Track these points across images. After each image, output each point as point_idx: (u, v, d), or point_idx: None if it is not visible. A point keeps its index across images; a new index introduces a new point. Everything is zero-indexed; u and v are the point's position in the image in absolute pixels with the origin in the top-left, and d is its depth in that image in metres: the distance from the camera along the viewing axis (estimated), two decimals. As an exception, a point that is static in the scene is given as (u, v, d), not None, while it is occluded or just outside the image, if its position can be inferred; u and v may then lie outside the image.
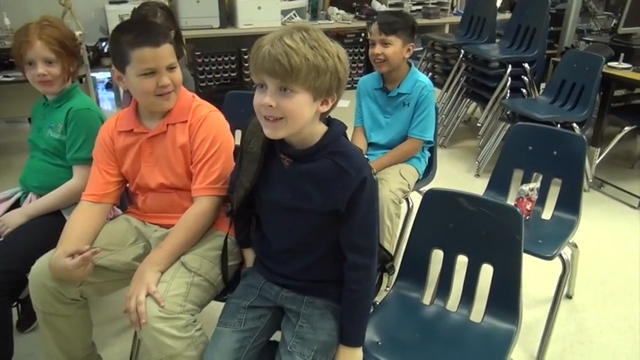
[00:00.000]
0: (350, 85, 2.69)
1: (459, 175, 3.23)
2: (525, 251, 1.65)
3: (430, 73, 3.91)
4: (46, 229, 1.53)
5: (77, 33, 3.27)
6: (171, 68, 1.35)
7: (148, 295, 1.22)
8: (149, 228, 1.49)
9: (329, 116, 1.19)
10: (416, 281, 1.47)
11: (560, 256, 1.72)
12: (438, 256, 1.46)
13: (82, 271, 1.28)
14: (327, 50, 1.04)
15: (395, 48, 1.97)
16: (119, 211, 1.66)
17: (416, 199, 2.16)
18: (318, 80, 1.03)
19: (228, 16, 4.63)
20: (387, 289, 1.73)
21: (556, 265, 1.73)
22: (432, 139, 2.11)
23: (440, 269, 1.48)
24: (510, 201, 1.99)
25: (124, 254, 1.43)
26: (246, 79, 4.76)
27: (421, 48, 3.92)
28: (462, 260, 1.43)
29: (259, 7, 4.50)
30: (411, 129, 2.06)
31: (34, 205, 1.61)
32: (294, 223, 1.21)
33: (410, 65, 2.09)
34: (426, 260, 1.46)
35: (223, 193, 1.40)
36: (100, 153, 1.46)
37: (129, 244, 1.46)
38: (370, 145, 2.16)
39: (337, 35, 4.77)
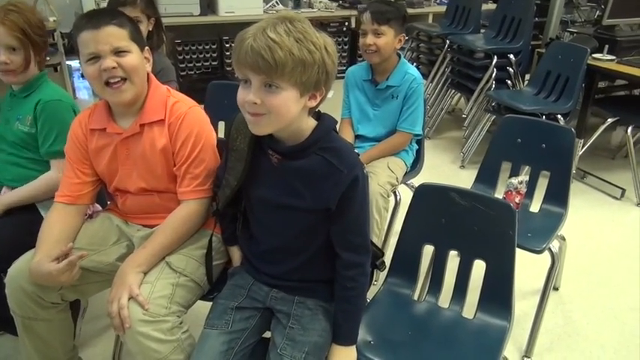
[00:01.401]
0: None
1: (444, 167, 3.22)
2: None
3: (415, 64, 3.87)
4: (19, 225, 1.46)
5: (51, 19, 3.15)
6: (119, 52, 1.23)
7: (131, 297, 1.17)
8: (132, 227, 1.43)
9: (319, 110, 1.15)
10: (407, 277, 1.45)
11: (550, 249, 1.72)
12: (429, 251, 1.44)
13: (67, 276, 1.21)
14: (314, 43, 0.98)
15: (387, 38, 1.93)
16: (98, 206, 1.59)
17: (403, 192, 2.15)
18: (304, 75, 0.99)
19: (208, 3, 4.52)
20: (375, 282, 1.71)
21: (543, 256, 1.73)
22: (421, 133, 2.08)
23: (431, 265, 1.46)
24: (499, 194, 1.98)
25: (106, 254, 1.37)
26: (228, 68, 4.66)
27: (406, 38, 3.88)
28: (453, 256, 1.41)
29: (240, -6, 4.40)
30: (400, 122, 2.02)
31: (12, 194, 1.53)
32: (284, 221, 1.17)
33: (399, 57, 2.05)
34: (417, 256, 1.43)
35: (211, 193, 1.34)
36: (73, 150, 1.37)
37: (111, 243, 1.40)
38: (357, 137, 2.12)
39: (320, 24, 4.70)
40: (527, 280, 2.08)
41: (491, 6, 4.00)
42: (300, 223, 1.15)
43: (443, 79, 3.56)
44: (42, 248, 1.26)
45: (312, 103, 1.06)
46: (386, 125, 2.06)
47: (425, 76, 3.71)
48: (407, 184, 2.22)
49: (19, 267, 1.28)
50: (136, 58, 1.27)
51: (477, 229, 1.35)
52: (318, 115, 1.14)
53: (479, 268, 1.37)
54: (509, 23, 3.26)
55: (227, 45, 4.59)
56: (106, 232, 1.42)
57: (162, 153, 1.32)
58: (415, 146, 2.16)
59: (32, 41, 1.52)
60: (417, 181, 2.22)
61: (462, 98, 3.98)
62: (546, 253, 1.72)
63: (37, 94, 1.56)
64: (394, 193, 2.07)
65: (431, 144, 3.56)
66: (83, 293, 1.38)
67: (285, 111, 1.01)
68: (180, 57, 4.47)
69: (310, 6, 4.90)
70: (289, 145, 1.11)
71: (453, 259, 1.42)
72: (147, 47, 1.33)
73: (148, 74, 1.36)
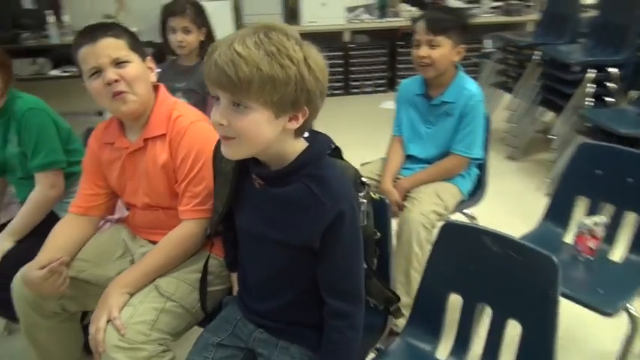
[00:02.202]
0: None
1: (526, 193, 2.85)
2: (578, 301, 1.35)
3: (502, 77, 3.52)
4: (39, 233, 1.46)
5: (134, 29, 3.32)
6: (119, 63, 1.19)
7: (110, 320, 1.10)
8: (136, 243, 1.38)
9: (314, 131, 1.00)
10: (429, 330, 1.23)
11: (628, 311, 1.38)
12: (456, 302, 1.21)
13: (51, 285, 1.18)
14: (290, 56, 0.84)
15: (443, 50, 1.71)
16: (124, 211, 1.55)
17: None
18: (275, 93, 0.85)
19: (292, 12, 4.53)
20: (396, 326, 1.47)
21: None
22: (479, 157, 1.82)
23: (458, 319, 1.22)
24: (571, 235, 1.66)
25: (108, 269, 1.33)
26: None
27: (493, 49, 3.54)
28: (485, 310, 1.17)
29: (323, 4, 4.34)
30: (455, 144, 1.78)
31: (15, 228, 1.50)
32: (266, 254, 1.04)
33: (457, 69, 1.81)
34: (441, 306, 1.21)
35: (211, 214, 1.24)
36: (89, 162, 1.37)
37: (115, 257, 1.37)
38: (408, 157, 1.91)
39: (405, 34, 4.49)
40: (600, 338, 1.71)
41: (593, 14, 3.51)
42: (282, 258, 1.01)
43: (533, 95, 3.17)
44: (41, 256, 1.25)
45: (294, 125, 0.91)
46: (438, 145, 1.83)
47: (511, 90, 3.35)
48: (465, 214, 1.96)
49: (22, 273, 1.27)
50: (137, 68, 1.23)
51: (511, 283, 1.10)
52: (314, 136, 0.99)
53: (514, 328, 1.11)
54: (612, 32, 2.80)
55: (308, 55, 4.56)
56: (113, 246, 1.39)
57: (163, 169, 1.26)
58: (475, 171, 1.90)
59: (3, 64, 1.48)
60: (483, 209, 1.97)
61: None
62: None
63: (13, 110, 1.51)
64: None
65: (515, 166, 3.20)
66: (84, 305, 1.35)
67: (256, 134, 0.88)
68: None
69: (396, 15, 4.71)
70: (273, 169, 0.97)
71: (485, 314, 1.17)
72: (149, 57, 1.28)
73: (158, 86, 1.31)
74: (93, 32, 1.20)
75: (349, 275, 0.97)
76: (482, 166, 1.93)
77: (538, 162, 3.23)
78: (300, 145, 0.96)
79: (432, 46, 1.72)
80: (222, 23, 3.57)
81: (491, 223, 2.17)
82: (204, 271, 1.23)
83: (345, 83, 4.74)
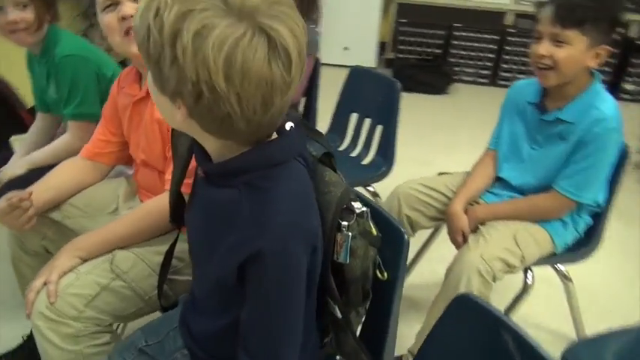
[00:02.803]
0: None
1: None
2: None
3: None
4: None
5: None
6: None
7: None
8: (127, 203, 1.27)
9: (304, 125, 0.74)
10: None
11: None
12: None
13: (13, 219, 1.11)
14: (161, 21, 0.57)
15: (573, 50, 1.24)
16: None
17: (548, 277, 1.48)
18: (156, 69, 0.61)
19: (451, -17, 4.05)
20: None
21: None
22: (593, 203, 1.34)
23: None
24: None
25: (95, 222, 1.23)
26: (451, 60, 4.14)
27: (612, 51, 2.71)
28: None
29: (487, -23, 3.78)
30: (561, 179, 1.33)
31: (34, 160, 1.46)
32: (198, 264, 0.83)
33: (593, 78, 1.33)
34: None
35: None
36: (107, 107, 1.27)
37: (107, 212, 1.27)
38: (497, 180, 1.49)
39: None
40: None
41: None
42: (207, 278, 0.78)
43: None
44: (30, 189, 1.18)
45: (185, 117, 0.63)
46: (538, 175, 1.38)
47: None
48: (557, 270, 1.50)
49: None
50: None
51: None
52: (287, 128, 0.73)
53: None
54: None
55: (455, 33, 4.06)
56: (109, 199, 1.29)
57: (158, 125, 1.10)
58: (586, 219, 1.42)
59: None
60: (592, 266, 1.55)
61: None
62: None
63: (53, 54, 1.41)
64: (526, 273, 1.41)
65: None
66: None
67: (157, 103, 0.67)
68: (402, 38, 4.15)
69: (579, 3, 3.92)
70: (215, 161, 0.73)
71: None
72: None
73: None
74: None
75: (263, 335, 0.70)
76: (599, 216, 1.43)
77: None
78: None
79: (557, 42, 1.26)
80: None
81: (594, 292, 1.70)
82: (169, 254, 1.05)
83: (493, 72, 4.15)
